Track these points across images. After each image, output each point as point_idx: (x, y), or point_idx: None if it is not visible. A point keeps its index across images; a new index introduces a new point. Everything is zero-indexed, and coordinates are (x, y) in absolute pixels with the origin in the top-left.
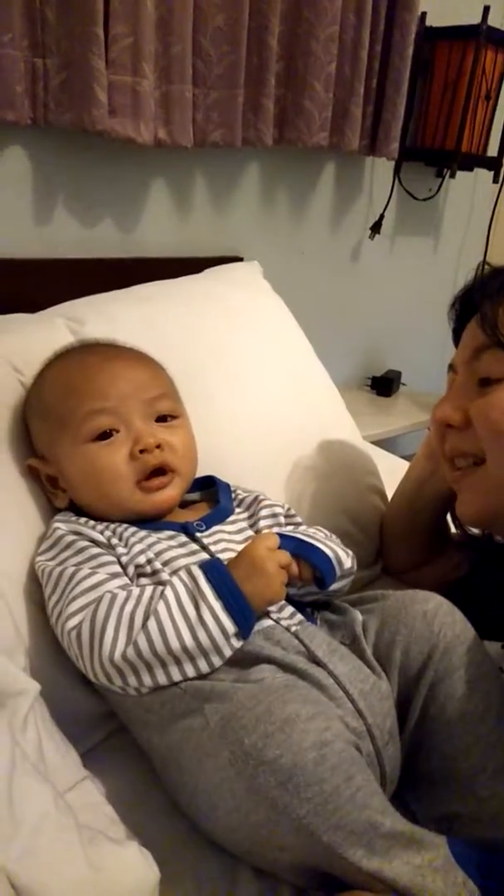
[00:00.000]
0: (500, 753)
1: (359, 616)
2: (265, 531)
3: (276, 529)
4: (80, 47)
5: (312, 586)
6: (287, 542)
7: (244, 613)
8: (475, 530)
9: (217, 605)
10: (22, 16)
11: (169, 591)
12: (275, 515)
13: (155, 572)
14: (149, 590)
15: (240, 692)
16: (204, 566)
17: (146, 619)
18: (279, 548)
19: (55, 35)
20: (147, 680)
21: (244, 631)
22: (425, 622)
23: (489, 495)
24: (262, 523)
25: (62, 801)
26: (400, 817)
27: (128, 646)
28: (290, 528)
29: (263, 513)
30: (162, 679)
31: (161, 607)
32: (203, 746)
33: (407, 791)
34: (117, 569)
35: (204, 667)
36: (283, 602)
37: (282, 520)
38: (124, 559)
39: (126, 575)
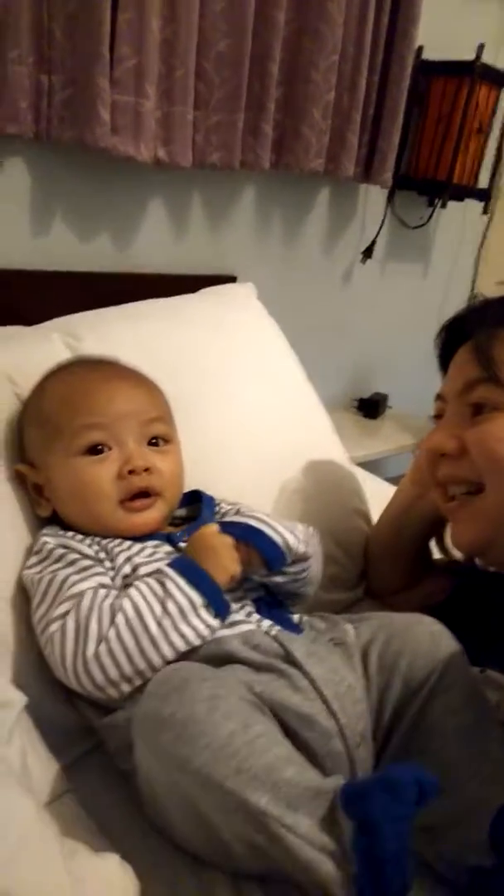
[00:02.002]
0: (487, 766)
1: (350, 628)
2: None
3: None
4: (85, 66)
5: (264, 570)
6: (231, 528)
7: (208, 585)
8: (458, 556)
9: (181, 581)
10: (30, 32)
11: (140, 582)
12: None
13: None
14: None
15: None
16: (169, 561)
17: (122, 603)
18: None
19: (62, 53)
20: (127, 669)
21: (214, 604)
22: (432, 641)
23: (487, 524)
24: None
25: (44, 814)
26: (315, 773)
27: (109, 629)
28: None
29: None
30: (142, 665)
31: (132, 591)
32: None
33: None
34: (107, 579)
35: (179, 642)
36: (259, 616)
37: None
38: (111, 573)
39: (114, 588)
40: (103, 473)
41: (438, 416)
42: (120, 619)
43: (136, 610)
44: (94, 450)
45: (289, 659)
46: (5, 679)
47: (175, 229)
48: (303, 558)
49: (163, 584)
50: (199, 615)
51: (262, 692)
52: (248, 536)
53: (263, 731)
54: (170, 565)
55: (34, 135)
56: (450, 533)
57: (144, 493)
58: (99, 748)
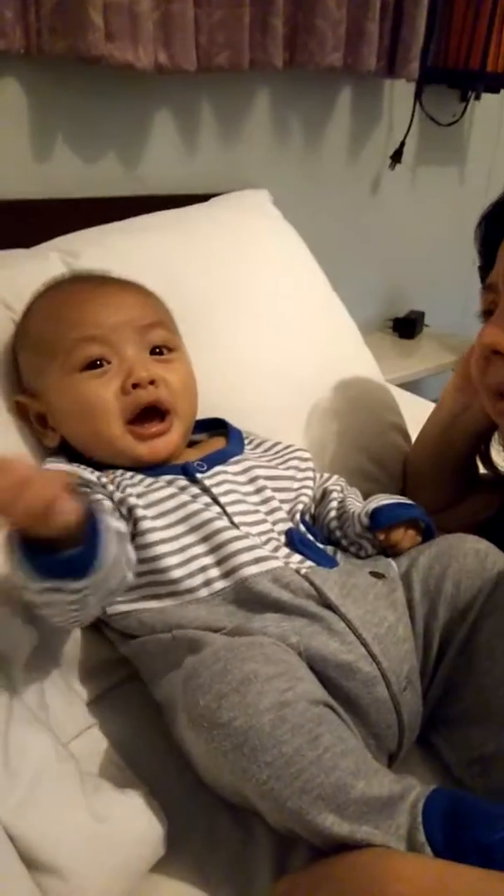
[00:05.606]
0: None
1: (391, 560)
2: None
3: (378, 503)
4: None
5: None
6: (405, 510)
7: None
8: None
9: None
10: None
11: None
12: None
13: (138, 520)
14: None
15: (208, 648)
16: None
17: None
18: (399, 521)
19: None
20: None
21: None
22: (478, 559)
23: None
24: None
25: (64, 750)
26: (383, 777)
27: None
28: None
29: (300, 465)
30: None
31: None
32: (178, 703)
33: (437, 736)
34: (108, 505)
35: None
36: (289, 550)
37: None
38: (118, 495)
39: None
40: (105, 390)
41: (489, 312)
42: None
43: None
44: (93, 365)
45: (322, 600)
46: (19, 619)
47: (185, 143)
48: None
49: None
50: None
51: (297, 643)
52: (420, 516)
53: (331, 744)
54: None
55: (25, 49)
56: (501, 440)
57: (155, 412)
58: (125, 682)
